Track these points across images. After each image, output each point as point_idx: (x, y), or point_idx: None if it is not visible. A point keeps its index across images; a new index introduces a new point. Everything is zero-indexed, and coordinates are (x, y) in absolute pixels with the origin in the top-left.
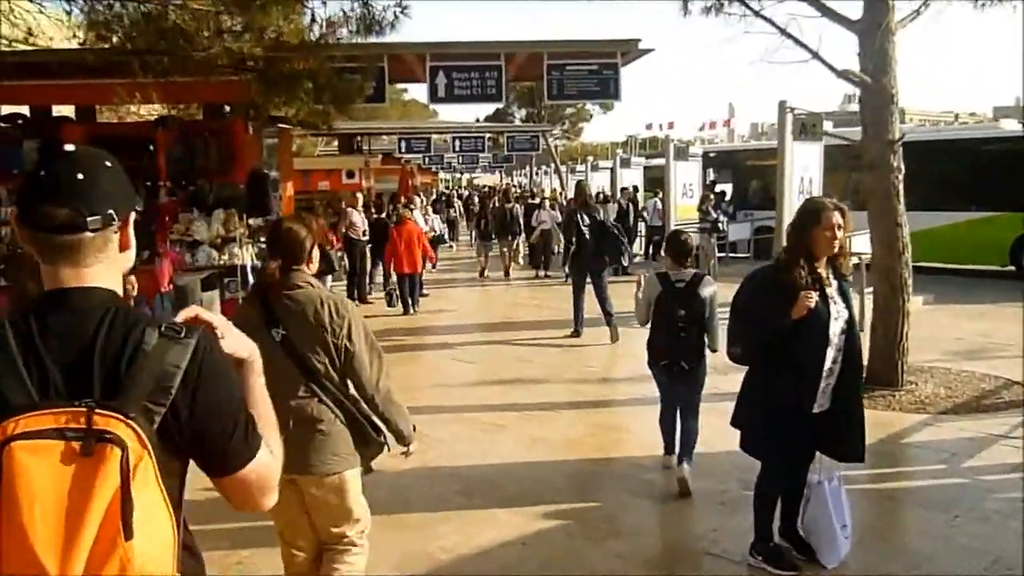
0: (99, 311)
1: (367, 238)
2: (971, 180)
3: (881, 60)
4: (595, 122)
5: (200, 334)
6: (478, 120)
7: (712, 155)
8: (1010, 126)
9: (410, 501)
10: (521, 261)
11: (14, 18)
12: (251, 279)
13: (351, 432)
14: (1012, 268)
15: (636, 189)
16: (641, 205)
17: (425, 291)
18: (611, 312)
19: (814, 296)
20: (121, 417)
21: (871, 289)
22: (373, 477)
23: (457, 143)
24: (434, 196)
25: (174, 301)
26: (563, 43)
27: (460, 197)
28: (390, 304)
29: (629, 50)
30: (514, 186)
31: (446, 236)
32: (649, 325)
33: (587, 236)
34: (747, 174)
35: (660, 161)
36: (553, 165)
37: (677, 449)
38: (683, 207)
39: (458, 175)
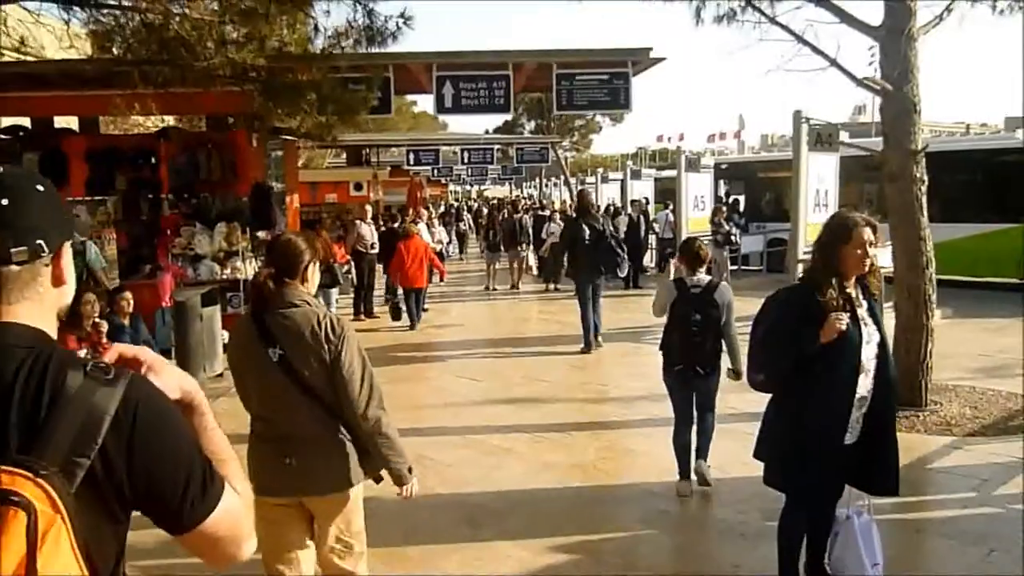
0: (20, 353)
1: (376, 250)
2: (987, 191)
3: (902, 67)
4: (605, 134)
5: (133, 374)
6: (487, 132)
7: (724, 166)
8: None
9: (411, 532)
10: (533, 270)
11: (6, 28)
12: None
13: (355, 447)
14: None
15: (647, 201)
16: (652, 217)
17: (426, 306)
18: (598, 324)
19: (844, 318)
20: (29, 476)
21: (889, 304)
22: (372, 505)
23: (466, 155)
24: (443, 208)
25: (175, 316)
26: (573, 52)
27: (470, 210)
28: (395, 318)
29: (640, 59)
30: (524, 198)
31: (447, 251)
32: (663, 329)
33: (586, 246)
34: (759, 185)
35: (671, 173)
36: (563, 177)
37: (693, 463)
38: (694, 219)
39: (467, 187)
